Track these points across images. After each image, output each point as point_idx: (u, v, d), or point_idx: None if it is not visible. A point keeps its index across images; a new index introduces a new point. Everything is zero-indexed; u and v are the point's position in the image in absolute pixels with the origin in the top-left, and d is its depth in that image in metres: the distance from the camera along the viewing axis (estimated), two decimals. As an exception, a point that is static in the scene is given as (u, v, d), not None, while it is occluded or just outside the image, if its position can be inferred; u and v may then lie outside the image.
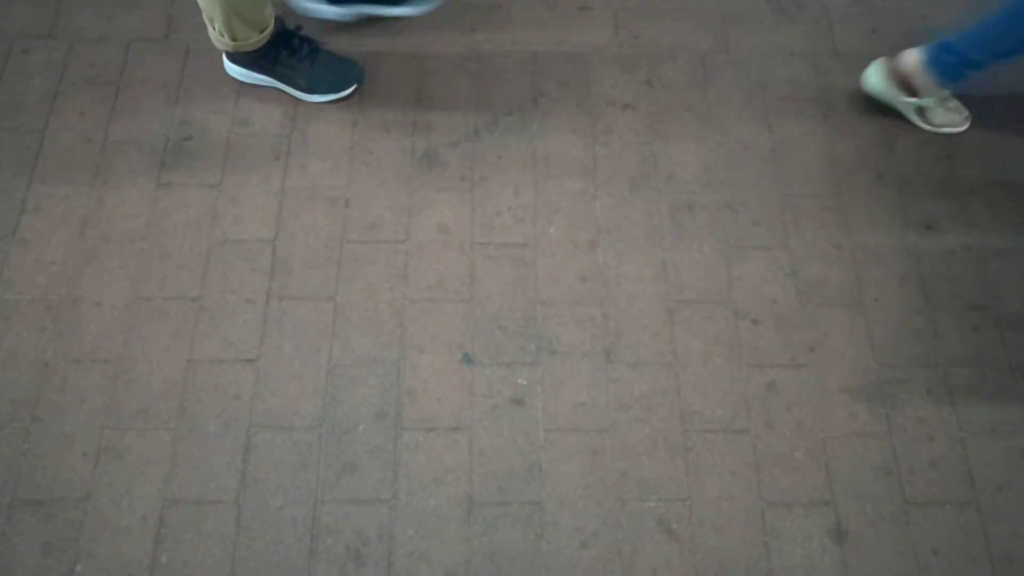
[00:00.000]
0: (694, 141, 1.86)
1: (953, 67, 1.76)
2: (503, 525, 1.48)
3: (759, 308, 1.69)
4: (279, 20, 1.79)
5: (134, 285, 1.65)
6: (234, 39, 1.71)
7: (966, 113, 1.88)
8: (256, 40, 1.74)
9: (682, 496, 1.51)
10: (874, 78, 1.87)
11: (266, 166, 1.79)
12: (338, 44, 1.92)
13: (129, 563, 1.42)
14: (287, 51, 1.80)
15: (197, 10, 1.70)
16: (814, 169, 1.84)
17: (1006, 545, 1.49)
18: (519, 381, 1.60)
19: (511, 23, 2.00)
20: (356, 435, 1.54)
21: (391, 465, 1.52)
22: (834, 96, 1.94)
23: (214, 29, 1.71)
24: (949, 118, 1.86)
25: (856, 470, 1.54)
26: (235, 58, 1.82)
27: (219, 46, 1.76)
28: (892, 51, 1.85)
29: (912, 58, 1.80)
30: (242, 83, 1.87)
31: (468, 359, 1.61)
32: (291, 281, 1.67)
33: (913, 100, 1.83)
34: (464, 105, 1.88)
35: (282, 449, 1.52)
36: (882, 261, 1.74)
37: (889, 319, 1.68)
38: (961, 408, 1.61)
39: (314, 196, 1.76)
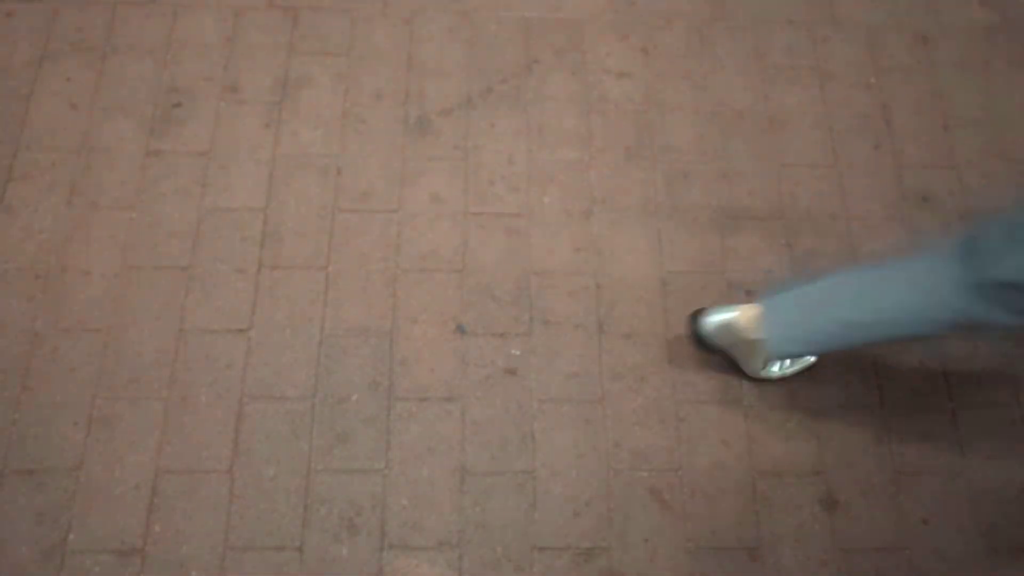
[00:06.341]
0: (690, 110, 1.84)
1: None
2: (496, 494, 1.48)
3: (753, 279, 1.68)
4: None
5: (123, 254, 1.63)
6: None
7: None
8: None
9: (674, 466, 1.52)
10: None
11: (256, 134, 1.76)
12: (335, 6, 1.88)
13: (122, 532, 1.42)
14: None
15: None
16: (810, 139, 1.83)
17: (993, 514, 1.51)
18: (512, 351, 1.59)
19: (505, -12, 1.97)
20: (349, 405, 1.54)
21: (384, 435, 1.52)
22: (832, 65, 1.91)
23: None
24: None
25: (848, 440, 1.55)
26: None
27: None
28: (889, 18, 1.81)
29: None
30: (232, 48, 1.83)
31: (461, 329, 1.61)
32: (282, 250, 1.65)
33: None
34: (458, 72, 1.85)
35: (275, 419, 1.52)
36: (877, 232, 1.74)
37: (883, 290, 1.68)
38: (953, 379, 1.61)
39: (305, 164, 1.74)
